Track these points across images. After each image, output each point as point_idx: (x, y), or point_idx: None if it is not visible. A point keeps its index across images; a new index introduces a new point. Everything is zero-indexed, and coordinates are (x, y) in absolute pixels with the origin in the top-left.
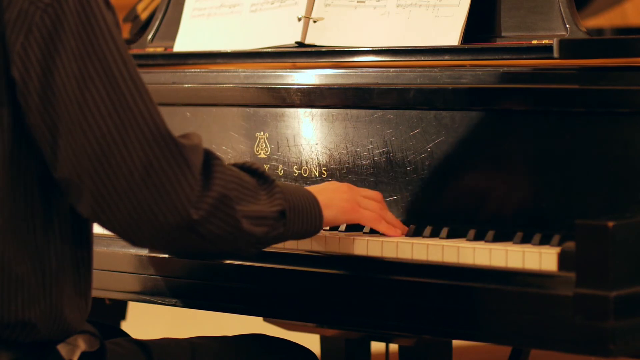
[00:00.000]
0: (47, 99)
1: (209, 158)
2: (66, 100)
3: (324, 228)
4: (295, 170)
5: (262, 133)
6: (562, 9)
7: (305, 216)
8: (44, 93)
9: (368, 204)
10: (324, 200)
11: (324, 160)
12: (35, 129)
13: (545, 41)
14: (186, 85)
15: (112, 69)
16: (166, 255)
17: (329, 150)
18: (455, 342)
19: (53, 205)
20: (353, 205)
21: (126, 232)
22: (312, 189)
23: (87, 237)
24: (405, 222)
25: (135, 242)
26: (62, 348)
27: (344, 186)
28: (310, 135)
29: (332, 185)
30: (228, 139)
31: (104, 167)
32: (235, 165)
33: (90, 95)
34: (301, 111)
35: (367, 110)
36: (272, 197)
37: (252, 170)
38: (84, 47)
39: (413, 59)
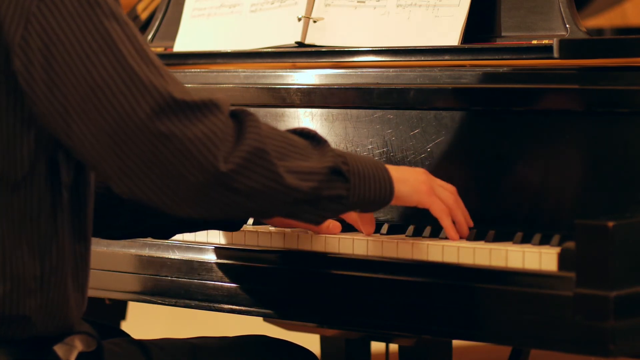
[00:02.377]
0: (55, 84)
1: (241, 115)
2: (74, 82)
3: (396, 204)
4: None
5: None
6: (562, 9)
7: (372, 183)
8: (50, 79)
9: (442, 193)
10: (398, 175)
11: None
12: (47, 119)
13: (545, 41)
14: (186, 85)
15: (117, 44)
16: (166, 255)
17: None
18: (455, 342)
19: (57, 198)
20: (428, 189)
21: (164, 202)
22: (387, 165)
23: (86, 232)
24: (405, 222)
25: (176, 210)
26: (59, 348)
27: (420, 169)
28: None
29: (408, 167)
30: None
31: (125, 141)
32: (288, 130)
33: (97, 73)
34: (301, 111)
35: (367, 110)
36: (324, 155)
37: (304, 133)
38: (85, 27)
39: (413, 59)
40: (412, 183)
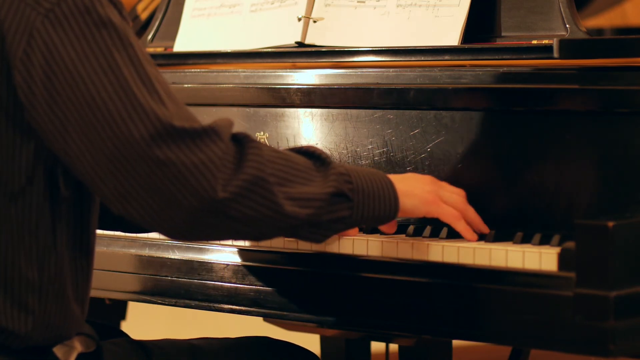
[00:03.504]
0: (54, 102)
1: (244, 140)
2: (74, 101)
3: (402, 217)
4: None
5: (262, 133)
6: (562, 9)
7: (376, 200)
8: (50, 96)
9: (450, 198)
10: (403, 188)
11: None
12: (46, 135)
13: (545, 41)
14: (186, 85)
15: (120, 66)
16: (166, 255)
17: (329, 150)
18: (455, 342)
19: (56, 209)
20: (435, 198)
21: (161, 225)
22: (393, 177)
23: (88, 246)
24: (406, 222)
25: (173, 233)
26: (58, 350)
27: (426, 178)
28: (310, 135)
29: (414, 175)
30: None
31: (123, 165)
32: (292, 149)
33: (98, 94)
34: (301, 111)
35: (367, 110)
36: (327, 179)
37: (309, 153)
38: (88, 46)
39: (413, 59)
40: (419, 194)
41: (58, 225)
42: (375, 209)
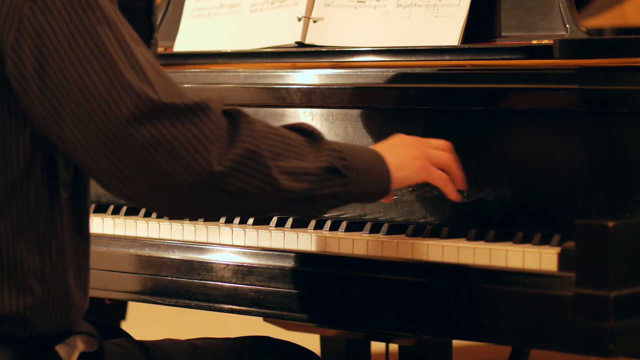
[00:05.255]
0: (47, 86)
1: (236, 115)
2: (65, 85)
3: (396, 189)
4: None
5: None
6: (562, 9)
7: (370, 177)
8: (42, 82)
9: (439, 157)
10: (394, 161)
11: None
12: (40, 122)
13: (545, 41)
14: (186, 85)
15: (108, 48)
16: (166, 255)
17: None
18: (455, 342)
19: (55, 196)
20: (424, 163)
21: (156, 204)
22: (380, 148)
23: (86, 229)
24: (405, 222)
25: (168, 212)
26: (60, 349)
27: (412, 140)
28: None
29: (401, 140)
30: None
31: (116, 145)
32: (286, 126)
33: (88, 76)
34: (301, 111)
35: (367, 110)
36: (320, 154)
37: (302, 129)
38: (77, 30)
39: (413, 59)
40: (408, 164)
41: (57, 212)
42: (369, 186)
